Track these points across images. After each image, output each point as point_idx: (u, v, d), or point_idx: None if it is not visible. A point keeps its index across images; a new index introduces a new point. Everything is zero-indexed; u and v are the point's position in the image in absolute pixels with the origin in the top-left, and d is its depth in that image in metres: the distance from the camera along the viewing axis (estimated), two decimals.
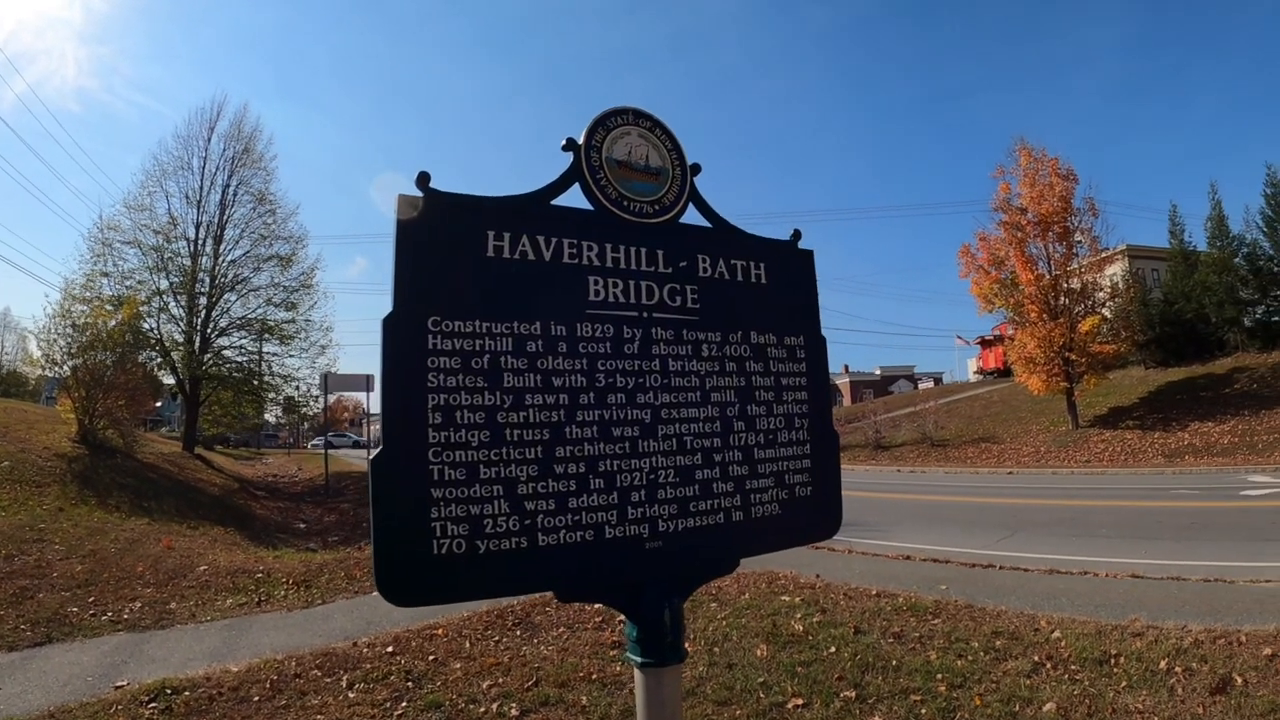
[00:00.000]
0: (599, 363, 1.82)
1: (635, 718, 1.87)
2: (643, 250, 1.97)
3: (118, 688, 4.55)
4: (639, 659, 1.82)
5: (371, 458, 1.55)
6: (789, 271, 2.30)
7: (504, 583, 1.72)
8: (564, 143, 1.92)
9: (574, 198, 1.92)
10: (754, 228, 2.24)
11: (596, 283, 1.87)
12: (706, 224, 2.17)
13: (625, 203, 1.96)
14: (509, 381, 1.70)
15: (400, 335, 1.61)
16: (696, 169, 2.11)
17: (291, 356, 25.41)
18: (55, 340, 16.57)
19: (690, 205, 2.10)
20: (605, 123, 1.96)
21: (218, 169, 24.57)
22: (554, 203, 1.89)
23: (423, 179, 1.69)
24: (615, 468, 1.80)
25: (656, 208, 2.01)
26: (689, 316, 2.00)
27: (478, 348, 1.67)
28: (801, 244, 2.39)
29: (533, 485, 1.68)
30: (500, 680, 4.47)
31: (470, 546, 1.60)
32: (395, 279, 1.63)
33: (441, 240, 1.70)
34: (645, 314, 1.93)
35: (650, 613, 1.83)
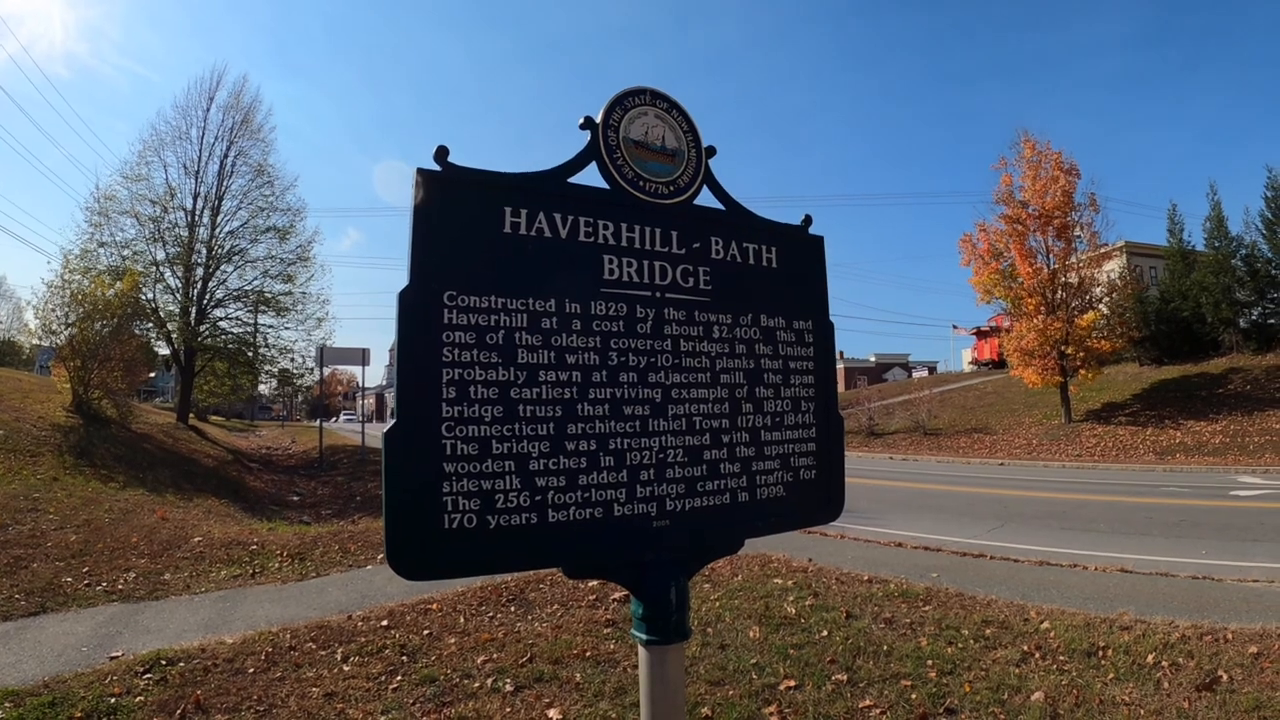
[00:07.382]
0: (612, 341, 1.83)
1: (637, 694, 1.89)
2: (657, 231, 1.97)
3: (113, 658, 4.57)
4: (644, 636, 1.84)
5: (385, 431, 1.56)
6: (799, 256, 2.30)
7: (513, 558, 1.73)
8: (581, 121, 1.91)
9: (590, 176, 1.92)
10: (752, 210, 2.25)
11: (611, 262, 1.87)
12: (720, 206, 2.16)
13: (641, 183, 1.96)
14: (523, 358, 1.70)
15: (416, 309, 1.60)
16: (711, 151, 2.11)
17: (287, 329, 25.36)
18: (53, 310, 16.49)
19: (704, 187, 2.10)
20: (623, 102, 1.95)
21: (216, 139, 24.34)
22: (570, 181, 1.89)
23: (441, 153, 1.68)
24: (625, 446, 1.81)
25: (671, 189, 2.01)
26: (701, 298, 2.01)
27: (492, 323, 1.67)
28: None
29: (544, 462, 1.69)
30: (495, 656, 4.51)
31: (481, 521, 1.61)
32: (411, 253, 1.62)
33: (459, 216, 1.69)
34: (658, 294, 1.93)
35: (656, 591, 1.84)
